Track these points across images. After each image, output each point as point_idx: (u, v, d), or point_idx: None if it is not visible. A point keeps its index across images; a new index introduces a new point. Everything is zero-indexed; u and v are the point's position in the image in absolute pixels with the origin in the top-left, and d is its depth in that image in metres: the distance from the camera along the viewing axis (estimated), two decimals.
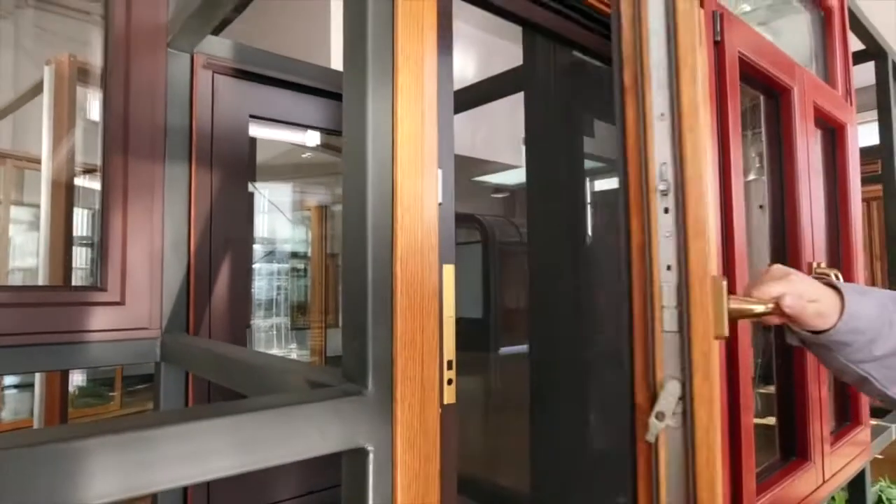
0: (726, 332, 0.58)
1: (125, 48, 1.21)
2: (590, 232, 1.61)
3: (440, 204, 0.67)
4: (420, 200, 0.64)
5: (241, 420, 0.50)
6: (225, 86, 1.35)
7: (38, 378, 2.29)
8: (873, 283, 5.24)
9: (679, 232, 0.61)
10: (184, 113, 1.29)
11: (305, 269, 5.26)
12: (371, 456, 0.59)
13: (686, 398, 0.59)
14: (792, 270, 0.72)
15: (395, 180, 0.62)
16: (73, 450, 0.44)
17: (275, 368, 0.78)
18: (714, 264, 0.61)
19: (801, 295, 0.67)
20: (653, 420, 0.60)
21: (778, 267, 0.73)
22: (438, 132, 0.67)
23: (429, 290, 0.65)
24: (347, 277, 0.63)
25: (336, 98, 1.53)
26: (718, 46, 1.28)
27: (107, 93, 1.20)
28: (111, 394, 4.74)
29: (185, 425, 0.46)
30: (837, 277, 1.51)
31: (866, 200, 5.03)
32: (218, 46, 1.33)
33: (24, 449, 0.44)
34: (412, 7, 0.63)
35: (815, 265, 1.52)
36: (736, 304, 0.65)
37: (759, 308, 0.65)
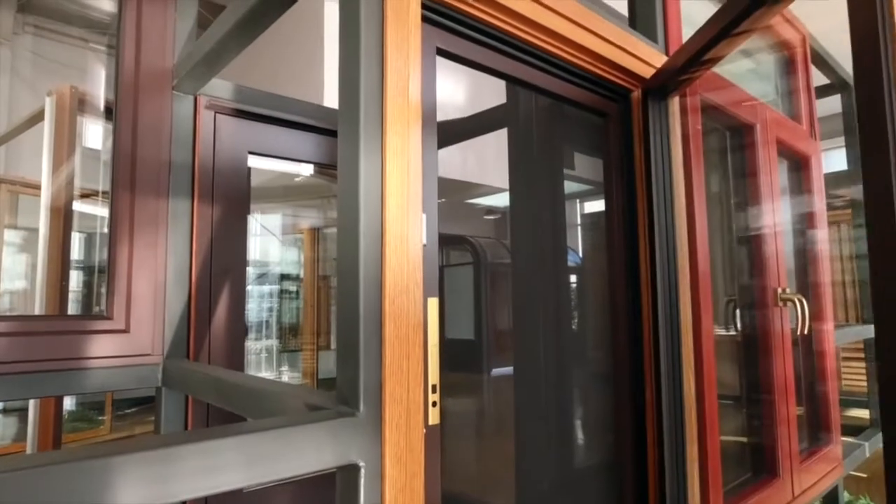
0: None
1: (134, 91, 1.30)
2: (571, 253, 1.70)
3: (424, 245, 0.76)
4: (406, 243, 0.73)
5: (249, 439, 0.57)
6: (226, 124, 1.44)
7: (32, 402, 2.31)
8: (846, 304, 5.37)
9: None
10: (187, 150, 1.37)
11: (297, 291, 5.29)
12: (362, 471, 0.67)
13: None
14: None
15: (383, 226, 0.71)
16: (105, 465, 0.52)
17: (274, 392, 0.85)
18: None
19: None
20: None
21: None
22: (423, 181, 0.76)
23: (414, 322, 0.73)
24: (342, 312, 0.71)
25: (328, 134, 1.62)
26: None
27: (116, 132, 1.29)
28: (101, 418, 4.73)
29: (203, 443, 0.54)
30: (801, 302, 1.61)
31: (847, 222, 5.19)
32: (219, 88, 1.42)
33: (62, 465, 0.51)
34: (399, 75, 0.73)
35: (779, 290, 1.62)
36: None
37: None
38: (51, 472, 0.51)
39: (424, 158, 0.75)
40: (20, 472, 0.50)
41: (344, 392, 0.71)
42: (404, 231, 0.73)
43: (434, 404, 0.79)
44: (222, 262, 1.41)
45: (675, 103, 1.33)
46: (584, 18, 1.11)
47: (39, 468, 0.51)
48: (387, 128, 0.71)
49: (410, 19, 0.76)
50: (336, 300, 0.70)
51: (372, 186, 0.70)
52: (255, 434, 0.58)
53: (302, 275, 5.29)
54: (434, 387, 0.80)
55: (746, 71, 2.18)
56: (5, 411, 4.58)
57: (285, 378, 4.87)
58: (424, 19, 0.81)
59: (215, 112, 1.42)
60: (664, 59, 1.33)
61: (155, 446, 0.52)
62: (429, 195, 0.77)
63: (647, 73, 1.26)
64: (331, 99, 4.10)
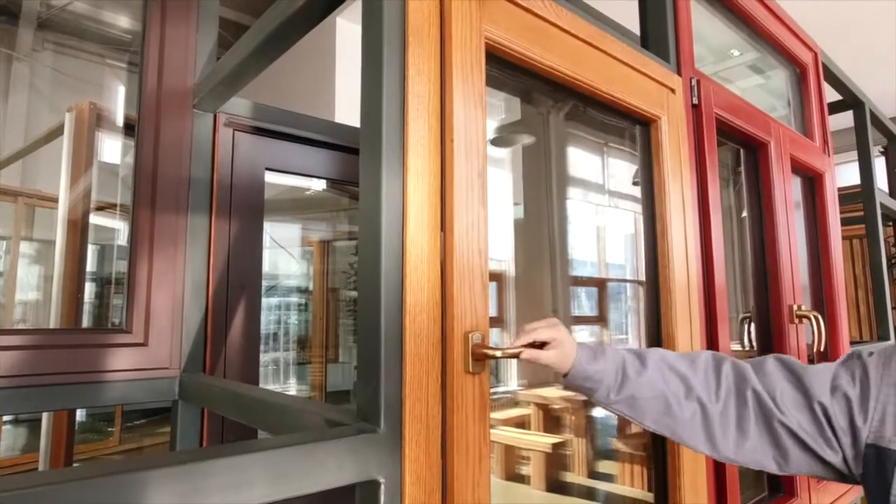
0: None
1: (156, 110, 1.33)
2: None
3: (443, 263, 0.77)
4: (426, 262, 0.74)
5: (276, 455, 0.58)
6: (244, 142, 1.47)
7: (45, 414, 2.33)
8: (867, 319, 5.31)
9: None
10: (206, 167, 1.40)
11: (306, 304, 5.30)
12: (382, 487, 0.68)
13: None
14: (556, 324, 0.86)
15: (404, 246, 0.72)
16: (137, 479, 0.53)
17: (293, 407, 0.86)
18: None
19: (562, 342, 0.83)
20: None
21: (551, 320, 0.88)
22: (441, 200, 0.78)
23: (433, 339, 0.74)
24: (362, 330, 0.72)
25: (342, 150, 1.65)
26: (696, 109, 1.40)
27: (138, 150, 1.32)
28: (110, 429, 4.75)
29: (233, 458, 0.55)
30: (816, 319, 1.60)
31: (859, 238, 5.15)
32: (238, 106, 1.44)
33: (96, 479, 0.53)
34: (420, 99, 0.75)
35: (794, 307, 1.61)
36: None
37: (498, 353, 0.80)
38: (84, 487, 0.52)
39: (443, 174, 0.77)
40: (53, 486, 0.51)
41: (364, 408, 0.72)
42: (424, 250, 0.74)
43: None
44: (238, 277, 1.43)
45: (685, 122, 1.35)
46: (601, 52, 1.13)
47: (74, 482, 0.52)
48: (408, 148, 0.73)
49: (430, 45, 0.78)
50: (357, 318, 0.71)
51: (393, 206, 0.72)
52: (281, 450, 0.59)
53: (311, 287, 5.30)
54: None
55: (758, 86, 2.20)
56: (16, 422, 4.61)
57: (293, 391, 4.87)
58: None
59: (234, 129, 1.45)
60: (677, 79, 1.34)
61: (186, 461, 0.53)
62: (447, 212, 0.79)
63: (663, 94, 1.28)
64: (342, 114, 4.16)
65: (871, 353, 0.77)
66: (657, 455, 1.22)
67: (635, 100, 1.18)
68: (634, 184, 1.32)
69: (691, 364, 0.84)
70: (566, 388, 0.86)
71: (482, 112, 0.85)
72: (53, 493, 0.51)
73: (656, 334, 1.22)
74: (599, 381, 0.82)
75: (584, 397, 1.04)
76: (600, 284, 1.44)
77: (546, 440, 2.72)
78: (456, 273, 0.77)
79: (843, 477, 0.75)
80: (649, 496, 1.27)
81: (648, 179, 1.24)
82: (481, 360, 0.79)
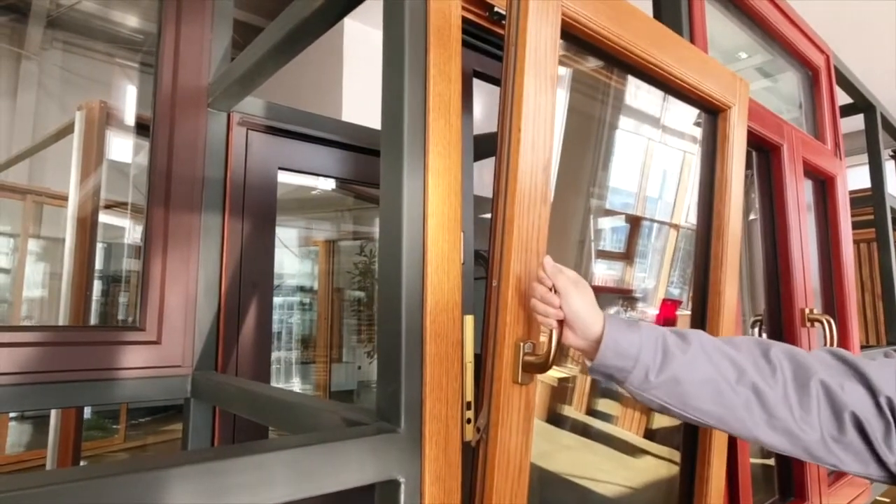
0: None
1: (170, 109, 1.34)
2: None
3: (463, 263, 0.77)
4: (446, 261, 0.74)
5: (297, 453, 0.58)
6: (257, 141, 1.47)
7: (53, 411, 2.33)
8: (873, 323, 5.28)
9: None
10: (220, 166, 1.40)
11: (311, 304, 5.30)
12: (402, 487, 0.68)
13: None
14: (578, 282, 0.75)
15: (425, 245, 0.72)
16: (159, 477, 0.53)
17: (309, 406, 0.86)
18: None
19: (577, 314, 0.72)
20: None
21: (568, 279, 0.75)
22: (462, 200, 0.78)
23: (453, 339, 0.74)
24: (383, 330, 0.72)
25: (355, 150, 1.65)
26: None
27: (153, 149, 1.32)
28: (115, 427, 4.76)
29: (256, 457, 0.55)
30: (829, 323, 1.60)
31: (866, 242, 5.12)
32: (251, 105, 1.45)
33: (118, 477, 0.53)
34: (441, 98, 0.75)
35: (806, 311, 1.61)
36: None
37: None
38: (105, 485, 0.52)
39: (463, 174, 0.77)
40: (77, 483, 0.51)
41: (384, 408, 0.72)
42: (445, 250, 0.74)
43: (469, 421, 0.80)
44: (251, 276, 1.44)
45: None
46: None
47: (93, 480, 0.52)
48: (429, 148, 0.73)
49: (452, 44, 0.78)
50: (377, 320, 0.71)
51: (414, 206, 0.72)
52: (303, 448, 0.59)
53: (316, 287, 5.29)
54: (469, 403, 0.80)
55: (765, 89, 2.19)
56: (21, 418, 4.62)
57: (296, 390, 4.86)
58: (463, 43, 0.83)
59: (247, 129, 1.45)
60: None
61: (208, 459, 0.53)
62: (465, 213, 0.79)
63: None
64: (349, 114, 4.16)
65: None
66: (686, 455, 1.21)
67: (709, 87, 1.13)
68: (696, 124, 1.27)
69: (736, 347, 0.75)
70: (593, 371, 0.75)
71: (552, 98, 0.77)
72: (76, 490, 0.51)
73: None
74: (635, 357, 0.71)
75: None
76: (635, 221, 1.37)
77: (553, 374, 2.65)
78: (512, 277, 0.74)
79: (892, 479, 0.70)
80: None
81: (710, 170, 1.20)
82: (531, 371, 0.74)
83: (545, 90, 0.77)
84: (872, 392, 0.69)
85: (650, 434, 1.24)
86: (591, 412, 1.25)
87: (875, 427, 0.68)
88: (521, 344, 0.75)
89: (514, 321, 0.74)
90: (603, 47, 0.95)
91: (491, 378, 0.74)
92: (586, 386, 1.24)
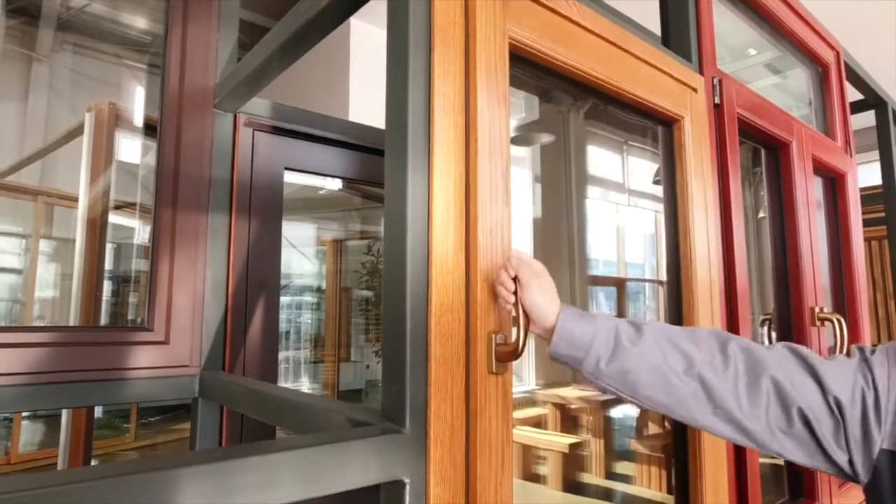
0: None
1: (177, 110, 1.34)
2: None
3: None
4: (451, 262, 0.74)
5: (304, 454, 0.58)
6: (263, 141, 1.48)
7: (65, 410, 2.35)
8: (885, 322, 5.22)
9: None
10: (226, 167, 1.40)
11: (319, 303, 5.30)
12: (407, 487, 0.68)
13: None
14: (540, 274, 0.79)
15: (430, 246, 0.72)
16: (168, 477, 0.53)
17: (316, 407, 0.87)
18: None
19: (534, 304, 0.76)
20: None
21: (530, 271, 0.79)
22: (466, 200, 0.78)
23: (458, 340, 0.74)
24: (387, 331, 0.72)
25: (361, 150, 1.65)
26: (718, 108, 1.38)
27: (160, 150, 1.33)
28: (126, 426, 4.80)
29: (264, 457, 0.55)
30: (839, 322, 1.58)
31: (878, 239, 5.07)
32: (258, 106, 1.45)
33: (127, 477, 0.53)
34: (445, 98, 0.75)
35: (816, 310, 1.59)
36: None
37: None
38: (114, 485, 0.52)
39: (468, 175, 0.77)
40: (87, 483, 0.52)
41: (389, 409, 0.72)
42: (450, 250, 0.74)
43: None
44: (258, 276, 1.44)
45: (707, 122, 1.33)
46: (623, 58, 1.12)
47: (102, 480, 0.53)
48: (433, 148, 0.73)
49: (456, 45, 0.78)
50: (382, 322, 0.71)
51: (418, 206, 0.72)
52: (309, 449, 0.59)
53: (323, 286, 5.30)
54: None
55: (774, 86, 2.17)
56: (34, 417, 4.68)
57: (305, 390, 4.87)
58: None
59: (254, 129, 1.46)
60: (699, 78, 1.33)
61: (216, 459, 0.53)
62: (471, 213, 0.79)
63: (686, 93, 1.26)
64: (356, 113, 4.17)
65: (872, 352, 0.73)
66: (678, 454, 1.21)
67: (658, 99, 1.17)
68: (655, 182, 1.31)
69: (693, 339, 0.78)
70: (552, 358, 0.79)
71: (506, 112, 0.85)
72: (87, 490, 0.51)
73: None
74: (587, 347, 0.75)
75: (600, 396, 0.99)
76: (619, 284, 1.42)
77: (563, 440, 2.71)
78: (479, 273, 0.77)
79: (842, 475, 0.71)
80: (669, 498, 1.26)
81: (671, 179, 1.23)
82: (504, 360, 0.79)
83: (498, 104, 0.84)
84: (823, 391, 0.71)
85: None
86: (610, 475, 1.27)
87: (824, 424, 0.70)
88: (493, 335, 0.78)
89: (484, 315, 0.78)
90: (552, 67, 1.01)
91: (467, 371, 0.78)
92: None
